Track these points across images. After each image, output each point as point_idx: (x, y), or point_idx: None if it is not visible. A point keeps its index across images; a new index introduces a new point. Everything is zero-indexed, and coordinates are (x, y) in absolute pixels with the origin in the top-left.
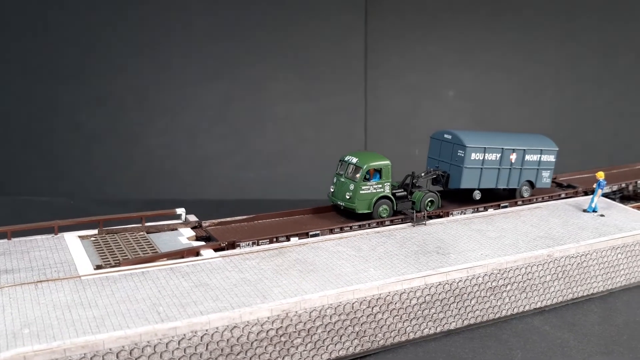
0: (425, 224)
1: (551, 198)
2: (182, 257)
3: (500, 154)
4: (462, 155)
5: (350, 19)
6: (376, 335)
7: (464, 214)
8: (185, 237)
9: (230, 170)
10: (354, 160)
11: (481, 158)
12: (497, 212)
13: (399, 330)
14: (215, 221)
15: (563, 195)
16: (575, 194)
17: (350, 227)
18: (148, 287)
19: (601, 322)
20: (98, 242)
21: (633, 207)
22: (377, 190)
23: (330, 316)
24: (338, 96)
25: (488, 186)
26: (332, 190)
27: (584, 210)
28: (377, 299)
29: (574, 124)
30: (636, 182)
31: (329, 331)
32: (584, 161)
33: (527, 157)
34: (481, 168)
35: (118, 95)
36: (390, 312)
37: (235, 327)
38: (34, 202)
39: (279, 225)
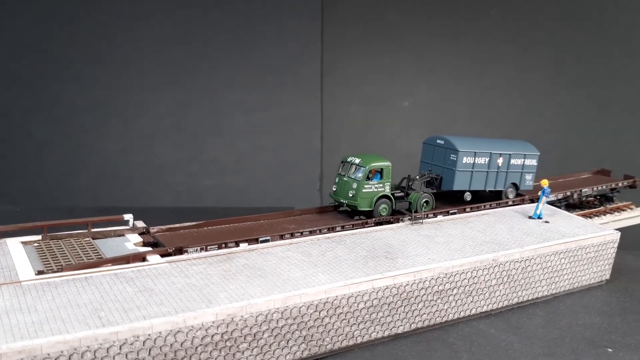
0: (422, 223)
1: (498, 205)
2: (128, 263)
3: (488, 158)
4: (455, 159)
5: (307, 29)
6: (324, 340)
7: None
8: (132, 243)
9: (185, 178)
10: (357, 160)
11: (472, 162)
12: (445, 218)
13: (346, 334)
14: (164, 227)
15: (510, 203)
16: (522, 201)
17: (301, 233)
18: (90, 292)
19: (545, 325)
20: (41, 248)
21: (578, 215)
22: (378, 190)
23: (277, 320)
24: (294, 105)
25: (478, 188)
26: (334, 189)
27: (530, 217)
28: (324, 303)
29: (523, 135)
30: (581, 191)
31: (275, 335)
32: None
33: (513, 161)
34: (472, 171)
35: (71, 102)
36: (338, 316)
37: (179, 331)
38: None
39: (230, 232)
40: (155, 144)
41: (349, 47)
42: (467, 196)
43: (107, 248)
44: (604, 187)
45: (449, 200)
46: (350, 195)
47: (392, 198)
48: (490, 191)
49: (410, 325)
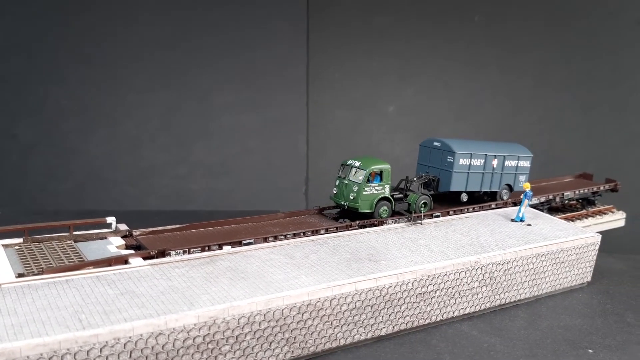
0: (421, 224)
1: (481, 208)
2: (110, 265)
3: (484, 160)
4: (452, 160)
5: (293, 33)
6: (306, 342)
7: (398, 222)
8: (114, 245)
9: (171, 181)
10: (357, 163)
11: (468, 163)
12: (429, 221)
13: (329, 336)
14: (147, 230)
15: (493, 206)
16: (505, 204)
17: (285, 236)
18: (71, 294)
19: (527, 326)
20: (22, 251)
21: (560, 218)
22: (378, 192)
23: (260, 323)
24: (281, 109)
25: (474, 189)
26: (334, 192)
27: (512, 220)
28: (307, 305)
29: (508, 138)
30: (563, 194)
31: (258, 338)
32: None
33: (507, 163)
34: (468, 172)
35: (56, 104)
36: (321, 318)
37: (160, 334)
38: None
39: (213, 235)
40: (142, 146)
41: (334, 51)
42: (464, 197)
43: (89, 251)
44: (586, 190)
45: (446, 201)
46: (351, 198)
47: (392, 200)
48: (485, 192)
49: (394, 327)
